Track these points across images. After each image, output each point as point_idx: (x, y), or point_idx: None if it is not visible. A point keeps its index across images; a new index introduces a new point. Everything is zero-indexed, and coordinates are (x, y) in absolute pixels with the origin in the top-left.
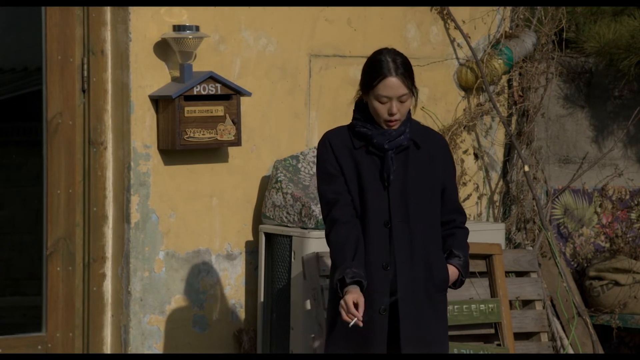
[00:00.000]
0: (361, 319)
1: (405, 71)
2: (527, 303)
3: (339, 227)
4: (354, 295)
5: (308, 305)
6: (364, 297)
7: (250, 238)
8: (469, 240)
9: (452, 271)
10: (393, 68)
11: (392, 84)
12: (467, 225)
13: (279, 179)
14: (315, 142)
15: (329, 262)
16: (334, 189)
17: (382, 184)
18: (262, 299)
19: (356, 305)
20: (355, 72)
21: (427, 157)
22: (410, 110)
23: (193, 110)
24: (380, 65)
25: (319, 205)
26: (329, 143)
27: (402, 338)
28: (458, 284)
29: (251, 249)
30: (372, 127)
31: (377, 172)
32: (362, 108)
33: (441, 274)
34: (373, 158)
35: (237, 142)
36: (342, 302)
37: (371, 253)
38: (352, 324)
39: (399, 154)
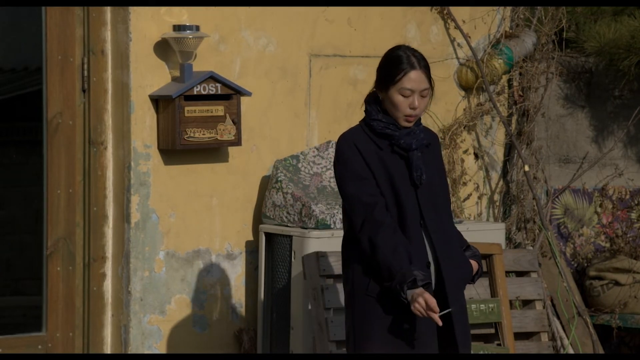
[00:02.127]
0: (438, 316)
1: (427, 66)
2: (527, 303)
3: (386, 230)
4: (426, 295)
5: (308, 305)
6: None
7: (251, 238)
8: (470, 241)
9: (474, 264)
10: (416, 62)
11: (417, 77)
12: (467, 224)
13: (279, 178)
14: (315, 142)
15: (329, 261)
16: (368, 192)
17: (412, 184)
18: (262, 299)
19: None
20: (355, 72)
21: (434, 155)
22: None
23: (193, 110)
24: (401, 60)
25: (319, 205)
26: (355, 145)
27: (458, 337)
28: (477, 277)
29: (251, 249)
30: (395, 128)
31: (405, 172)
32: (379, 108)
33: (466, 269)
34: (398, 159)
35: (237, 142)
36: (420, 299)
37: (413, 253)
38: (444, 312)
39: (420, 153)
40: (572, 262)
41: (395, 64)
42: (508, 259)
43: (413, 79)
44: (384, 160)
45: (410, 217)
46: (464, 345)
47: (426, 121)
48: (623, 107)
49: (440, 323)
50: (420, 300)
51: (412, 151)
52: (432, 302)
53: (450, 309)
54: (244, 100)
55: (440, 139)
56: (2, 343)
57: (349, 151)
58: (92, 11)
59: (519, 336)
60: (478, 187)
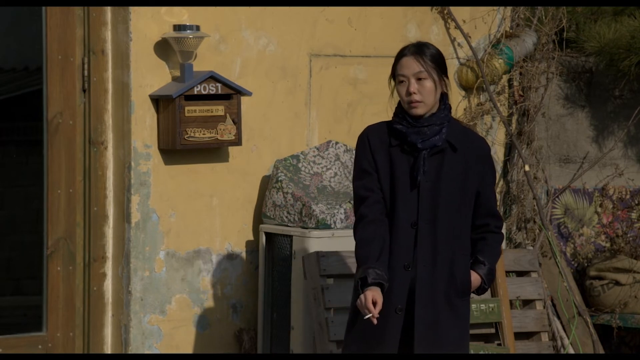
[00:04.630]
0: (376, 315)
1: (425, 53)
2: (527, 303)
3: (366, 225)
4: (373, 293)
5: (308, 305)
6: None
7: (251, 238)
8: None
9: (475, 278)
10: (411, 50)
11: (407, 62)
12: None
13: (279, 178)
14: (315, 142)
15: (329, 261)
16: (365, 186)
17: (413, 184)
18: (262, 299)
19: (374, 303)
20: (355, 71)
21: (463, 160)
22: (445, 108)
23: (193, 110)
24: (401, 50)
25: (319, 205)
26: (367, 139)
27: (416, 339)
28: (480, 291)
29: (252, 249)
30: (407, 125)
31: (408, 172)
32: (401, 105)
33: (463, 279)
34: (407, 157)
35: (237, 141)
36: (361, 296)
37: (395, 253)
38: (366, 317)
39: (435, 155)
40: (573, 262)
41: (396, 56)
42: (508, 259)
43: (404, 64)
44: (391, 157)
45: (402, 216)
46: (425, 347)
47: None
48: (623, 107)
49: (374, 322)
50: (362, 297)
51: (420, 151)
52: (368, 301)
53: (370, 314)
54: (244, 100)
55: None
56: (2, 343)
57: (360, 145)
58: (92, 11)
59: (519, 336)
60: None
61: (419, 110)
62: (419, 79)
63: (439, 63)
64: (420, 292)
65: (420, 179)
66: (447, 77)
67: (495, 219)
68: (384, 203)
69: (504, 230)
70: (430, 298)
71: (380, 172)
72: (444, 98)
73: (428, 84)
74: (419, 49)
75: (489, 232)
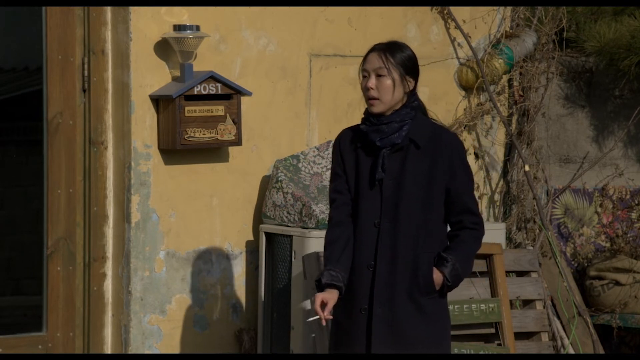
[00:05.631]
0: (326, 317)
1: (391, 51)
2: (527, 303)
3: (332, 227)
4: (324, 295)
5: (308, 305)
6: (348, 295)
7: (251, 238)
8: None
9: (437, 276)
10: (380, 47)
11: (371, 57)
12: None
13: (279, 178)
14: (315, 142)
15: None
16: (335, 188)
17: (372, 183)
18: (262, 299)
19: (325, 305)
20: (355, 71)
21: (428, 157)
22: (408, 106)
23: (193, 110)
24: (373, 46)
25: (319, 205)
26: (339, 141)
27: (373, 337)
28: (445, 289)
29: (252, 249)
30: (369, 124)
31: (370, 171)
32: None
33: (426, 277)
34: (371, 156)
35: (237, 141)
36: (312, 298)
37: (359, 253)
38: (311, 319)
39: (396, 153)
40: (573, 262)
41: None
42: (508, 259)
43: (367, 60)
44: (358, 158)
45: (366, 216)
46: (387, 345)
47: None
48: (623, 107)
49: (323, 323)
50: (312, 299)
51: (380, 149)
52: (316, 303)
53: (317, 317)
54: (244, 100)
55: None
56: (2, 343)
57: (334, 148)
58: (92, 11)
59: (519, 336)
60: (478, 187)
61: (376, 108)
62: (378, 76)
63: (405, 64)
64: (378, 291)
65: (382, 178)
66: (414, 79)
67: (470, 214)
68: (352, 204)
69: (503, 230)
70: (389, 297)
71: (348, 174)
72: (411, 97)
73: (386, 81)
74: (387, 47)
75: (463, 228)
